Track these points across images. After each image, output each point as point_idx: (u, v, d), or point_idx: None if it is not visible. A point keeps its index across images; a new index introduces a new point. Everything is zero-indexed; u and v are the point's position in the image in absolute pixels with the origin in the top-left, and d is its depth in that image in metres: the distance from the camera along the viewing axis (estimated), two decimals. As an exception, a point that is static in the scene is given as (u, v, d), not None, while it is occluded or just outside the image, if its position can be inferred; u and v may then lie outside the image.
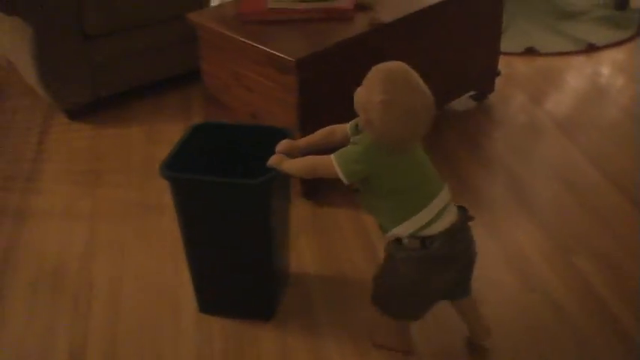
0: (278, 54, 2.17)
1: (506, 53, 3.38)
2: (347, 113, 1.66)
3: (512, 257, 2.16)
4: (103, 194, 2.51)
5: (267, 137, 1.80)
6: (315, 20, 2.37)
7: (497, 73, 3.03)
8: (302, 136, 1.83)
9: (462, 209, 1.66)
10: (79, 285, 2.09)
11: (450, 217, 1.60)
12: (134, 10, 2.92)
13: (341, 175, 1.56)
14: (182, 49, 3.06)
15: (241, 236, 1.77)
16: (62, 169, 2.70)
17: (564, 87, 3.24)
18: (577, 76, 3.34)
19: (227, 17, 2.43)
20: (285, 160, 1.68)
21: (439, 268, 1.63)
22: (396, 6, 2.50)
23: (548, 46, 3.53)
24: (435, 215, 1.58)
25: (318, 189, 2.43)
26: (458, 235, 1.62)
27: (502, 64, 3.09)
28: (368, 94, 1.53)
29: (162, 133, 2.89)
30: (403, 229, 1.59)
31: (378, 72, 1.54)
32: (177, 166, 1.75)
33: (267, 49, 2.20)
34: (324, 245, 2.22)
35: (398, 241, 1.62)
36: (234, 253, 1.81)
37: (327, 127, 1.75)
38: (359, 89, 1.57)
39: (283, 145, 1.74)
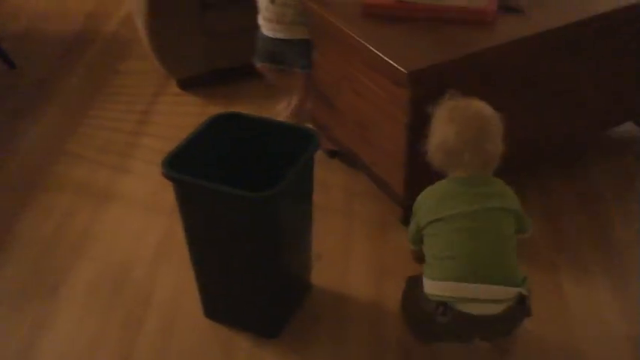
0: (390, 61, 1.81)
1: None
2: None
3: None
4: (189, 186, 2.30)
5: (293, 136, 1.69)
6: (448, 22, 1.97)
7: (675, 99, 2.47)
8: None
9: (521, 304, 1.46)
10: (138, 292, 1.92)
11: (484, 309, 1.43)
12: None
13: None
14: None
15: (246, 247, 1.60)
16: (158, 147, 2.52)
17: None
18: None
19: (346, 7, 2.08)
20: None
21: (448, 333, 1.51)
22: (556, 11, 2.03)
23: None
24: (457, 295, 1.43)
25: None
26: (480, 325, 1.46)
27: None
28: None
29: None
30: (425, 284, 1.48)
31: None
32: (190, 159, 1.61)
33: (380, 54, 1.84)
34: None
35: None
36: (238, 262, 1.66)
37: None
38: None
39: None
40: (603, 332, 1.77)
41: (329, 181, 2.29)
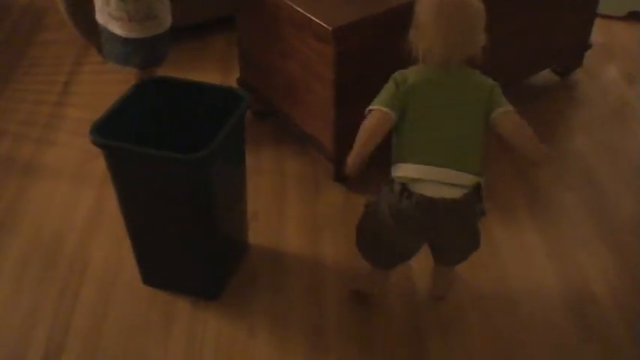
0: (314, 19, 1.81)
1: (604, 16, 2.88)
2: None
3: (571, 289, 1.81)
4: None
5: (223, 98, 1.68)
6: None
7: (588, 47, 2.57)
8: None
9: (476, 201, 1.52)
10: (72, 264, 1.89)
11: (444, 192, 1.47)
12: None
13: (374, 108, 1.51)
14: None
15: (180, 209, 1.60)
16: (83, 117, 2.46)
17: (669, 65, 2.75)
18: (687, 52, 2.84)
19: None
20: (350, 157, 1.54)
21: (405, 227, 1.55)
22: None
23: (657, 12, 3.00)
24: (424, 179, 1.48)
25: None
26: (439, 212, 1.49)
27: (598, 29, 2.62)
28: None
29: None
30: (394, 169, 1.53)
31: None
32: (118, 127, 1.59)
33: (304, 12, 1.85)
34: (350, 236, 1.93)
35: (391, 186, 1.54)
36: (174, 226, 1.65)
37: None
38: None
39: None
40: (532, 275, 1.86)
41: (260, 141, 2.30)
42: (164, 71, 2.21)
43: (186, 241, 1.67)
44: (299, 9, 1.86)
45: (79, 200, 2.10)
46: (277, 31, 2.05)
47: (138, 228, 1.70)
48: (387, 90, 1.53)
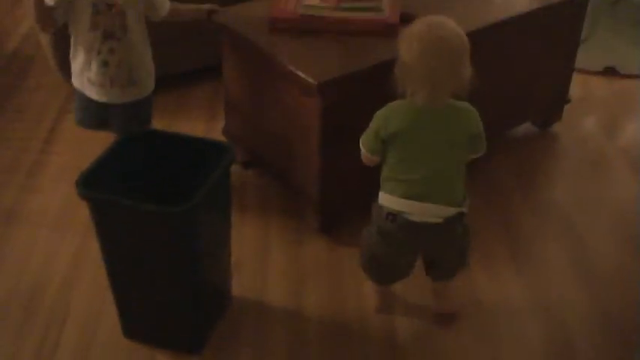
0: (299, 73, 1.85)
1: (581, 71, 2.95)
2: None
3: (553, 338, 1.83)
4: (102, 203, 2.26)
5: (208, 150, 1.72)
6: (353, 33, 2.03)
7: (567, 101, 2.63)
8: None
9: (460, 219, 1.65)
10: (52, 314, 1.87)
11: (427, 218, 1.58)
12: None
13: (364, 151, 1.67)
14: (215, 37, 2.75)
15: (164, 261, 1.61)
16: (67, 164, 2.46)
17: (646, 119, 2.82)
18: (663, 106, 2.91)
19: (255, 20, 2.10)
20: None
21: (393, 247, 1.68)
22: (454, 20, 2.12)
23: (632, 67, 3.07)
24: (406, 210, 1.59)
25: (337, 223, 2.12)
26: (421, 234, 1.62)
27: (576, 83, 2.68)
28: None
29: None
30: (381, 196, 1.64)
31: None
32: (104, 178, 1.61)
33: (288, 66, 1.88)
34: (334, 289, 1.94)
35: (378, 209, 1.66)
36: (157, 278, 1.65)
37: None
38: None
39: None
40: (514, 323, 1.87)
41: (244, 191, 2.31)
42: (154, 124, 2.24)
43: (170, 293, 1.66)
44: (285, 63, 1.90)
45: (61, 248, 2.09)
46: (263, 82, 2.08)
47: (120, 279, 1.69)
48: (370, 134, 1.64)
